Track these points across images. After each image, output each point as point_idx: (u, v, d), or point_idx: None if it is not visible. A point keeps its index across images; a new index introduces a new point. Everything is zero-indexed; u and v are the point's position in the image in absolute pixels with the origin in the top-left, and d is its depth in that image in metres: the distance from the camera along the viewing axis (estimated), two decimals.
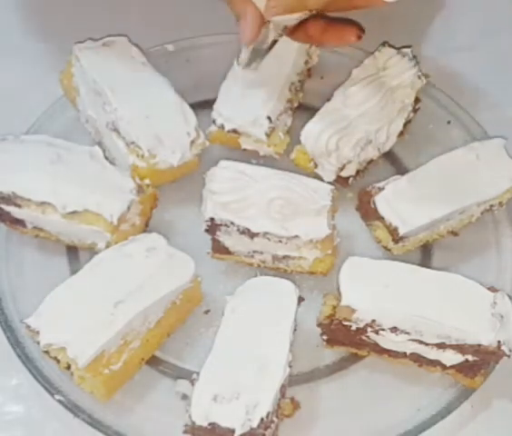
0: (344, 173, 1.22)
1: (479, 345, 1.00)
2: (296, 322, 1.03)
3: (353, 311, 1.02)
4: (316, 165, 1.22)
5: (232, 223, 1.10)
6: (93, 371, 0.99)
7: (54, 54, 1.30)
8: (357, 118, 1.20)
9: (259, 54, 1.12)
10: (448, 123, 1.34)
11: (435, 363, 1.05)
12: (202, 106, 1.29)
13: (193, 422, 0.92)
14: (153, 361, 1.08)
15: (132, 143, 1.18)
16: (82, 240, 1.15)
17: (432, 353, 1.04)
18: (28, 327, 1.01)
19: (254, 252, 1.14)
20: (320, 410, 1.05)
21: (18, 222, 1.15)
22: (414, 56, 1.27)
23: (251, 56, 1.11)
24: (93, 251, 1.13)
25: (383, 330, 1.03)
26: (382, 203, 1.16)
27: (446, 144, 1.28)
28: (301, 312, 1.05)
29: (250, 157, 1.25)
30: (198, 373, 0.97)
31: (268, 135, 1.22)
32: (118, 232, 1.12)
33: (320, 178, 1.20)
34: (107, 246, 1.11)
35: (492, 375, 1.06)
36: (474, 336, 1.00)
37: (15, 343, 1.06)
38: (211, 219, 1.11)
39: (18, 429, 1.06)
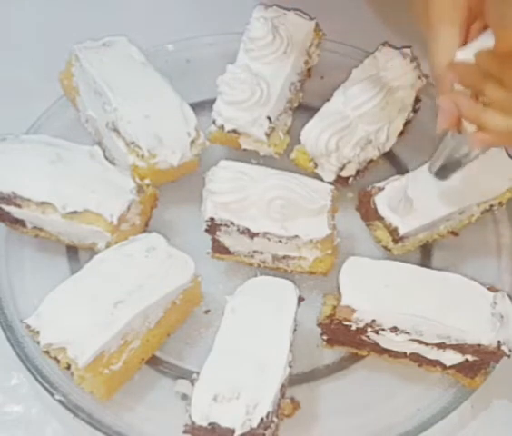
0: (344, 173, 1.22)
1: (479, 345, 1.00)
2: (296, 322, 1.03)
3: (353, 311, 1.02)
4: (316, 165, 1.22)
5: (232, 223, 1.10)
6: (93, 371, 0.99)
7: (54, 54, 1.30)
8: (357, 118, 1.20)
9: (452, 163, 1.04)
10: None
11: (435, 363, 1.06)
12: (202, 106, 1.29)
13: (193, 422, 0.92)
14: (153, 361, 1.08)
15: (132, 143, 1.18)
16: (82, 240, 1.15)
17: (432, 353, 1.04)
18: (28, 327, 1.01)
19: (254, 252, 1.14)
20: (319, 410, 1.05)
21: (18, 222, 1.15)
22: (415, 57, 1.26)
23: (443, 164, 1.05)
24: (93, 251, 1.13)
25: (383, 330, 1.03)
26: (382, 203, 1.16)
27: None
28: (301, 312, 1.05)
29: (250, 157, 1.25)
30: (198, 373, 0.96)
31: (268, 135, 1.22)
32: (118, 232, 1.12)
33: (320, 178, 1.20)
34: (107, 246, 1.11)
35: (492, 375, 1.06)
36: (474, 336, 1.00)
37: (15, 343, 1.06)
38: (211, 219, 1.10)
39: (18, 429, 1.06)
